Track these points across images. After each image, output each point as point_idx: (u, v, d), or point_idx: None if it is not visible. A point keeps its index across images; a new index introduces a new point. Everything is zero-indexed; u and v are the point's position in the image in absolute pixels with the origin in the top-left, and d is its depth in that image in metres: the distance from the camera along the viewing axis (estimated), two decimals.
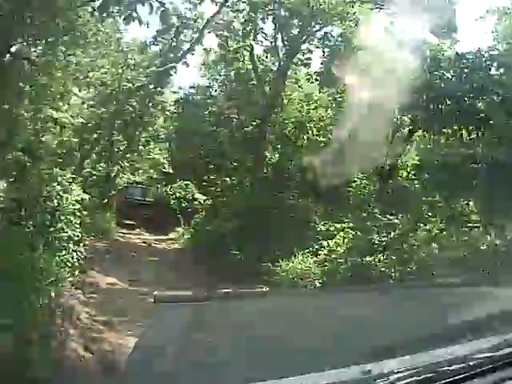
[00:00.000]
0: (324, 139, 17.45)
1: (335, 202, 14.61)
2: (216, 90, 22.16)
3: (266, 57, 19.73)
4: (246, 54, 19.31)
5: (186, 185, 24.01)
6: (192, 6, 19.18)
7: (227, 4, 18.49)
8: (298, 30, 18.29)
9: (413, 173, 15.02)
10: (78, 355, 5.92)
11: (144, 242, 19.13)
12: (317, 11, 17.32)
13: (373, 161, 16.00)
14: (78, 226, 9.51)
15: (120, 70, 19.42)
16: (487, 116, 12.03)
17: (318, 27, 18.50)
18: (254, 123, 18.88)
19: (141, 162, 23.49)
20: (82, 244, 9.56)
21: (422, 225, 11.20)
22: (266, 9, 18.13)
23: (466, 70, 12.70)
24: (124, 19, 9.23)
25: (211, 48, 20.98)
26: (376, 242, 10.72)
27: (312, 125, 17.85)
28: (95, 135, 19.02)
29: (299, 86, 19.37)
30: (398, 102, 14.71)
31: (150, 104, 20.65)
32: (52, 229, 8.73)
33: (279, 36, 18.58)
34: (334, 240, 11.88)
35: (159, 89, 20.21)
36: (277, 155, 18.47)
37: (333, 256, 11.35)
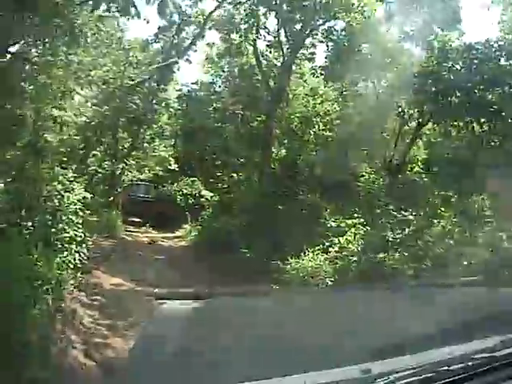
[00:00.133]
0: (331, 134, 17.29)
1: (344, 197, 14.38)
2: (220, 86, 22.11)
3: (270, 52, 19.56)
4: (250, 48, 19.13)
5: (192, 181, 23.93)
6: (193, 3, 19.02)
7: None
8: (301, 24, 18.06)
9: (422, 167, 14.80)
10: (80, 363, 5.70)
11: (151, 240, 18.96)
12: (320, 4, 17.11)
13: (381, 155, 15.82)
14: (80, 226, 9.31)
15: (122, 68, 19.27)
16: (499, 108, 11.77)
17: (321, 21, 18.35)
18: (260, 119, 18.77)
19: (146, 160, 23.34)
20: (84, 244, 9.33)
21: (435, 220, 10.95)
22: (268, 3, 17.92)
23: (475, 61, 12.46)
24: (119, 12, 9.03)
25: (214, 43, 20.91)
26: (390, 238, 10.46)
27: (318, 119, 17.71)
28: (99, 133, 18.93)
29: (304, 81, 19.25)
30: (406, 94, 14.51)
31: (154, 101, 20.52)
32: (53, 229, 8.54)
33: (282, 31, 18.37)
34: (345, 236, 11.66)
35: (162, 86, 20.15)
36: (283, 150, 18.34)
37: (344, 253, 11.12)
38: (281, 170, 17.22)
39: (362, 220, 12.02)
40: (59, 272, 7.41)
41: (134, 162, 21.74)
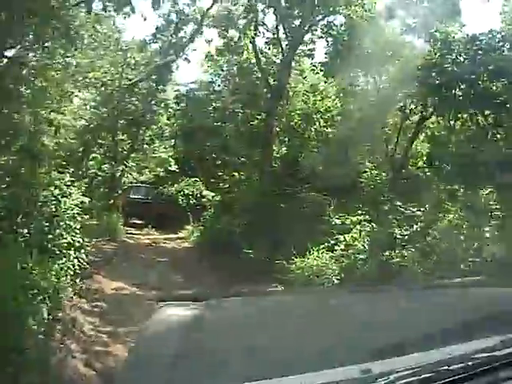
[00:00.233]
0: (332, 130, 17.09)
1: (347, 193, 14.18)
2: (219, 85, 21.97)
3: (269, 49, 19.42)
4: (248, 45, 18.91)
5: (193, 182, 23.77)
6: (191, 2, 18.82)
7: None
8: (300, 20, 17.86)
9: (425, 161, 14.59)
10: (80, 374, 5.51)
11: (153, 242, 18.82)
12: None
13: (383, 150, 15.63)
14: (78, 231, 9.11)
15: (120, 69, 19.14)
16: (504, 99, 11.54)
17: (320, 16, 18.21)
18: (260, 117, 18.59)
19: (146, 161, 23.22)
20: (83, 250, 9.13)
21: (442, 215, 10.72)
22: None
23: (479, 52, 12.21)
24: (115, 10, 8.86)
25: (212, 39, 20.66)
26: (398, 235, 10.25)
27: (319, 116, 17.49)
28: (98, 136, 18.81)
29: (304, 78, 19.03)
30: (408, 88, 14.29)
31: (153, 102, 20.38)
32: (50, 236, 8.34)
33: (281, 28, 18.17)
34: (350, 234, 11.41)
35: (161, 86, 20.00)
36: (284, 148, 18.17)
37: (350, 251, 10.89)
38: (282, 167, 17.04)
39: (367, 217, 11.79)
40: (57, 280, 7.19)
41: (133, 164, 21.62)
